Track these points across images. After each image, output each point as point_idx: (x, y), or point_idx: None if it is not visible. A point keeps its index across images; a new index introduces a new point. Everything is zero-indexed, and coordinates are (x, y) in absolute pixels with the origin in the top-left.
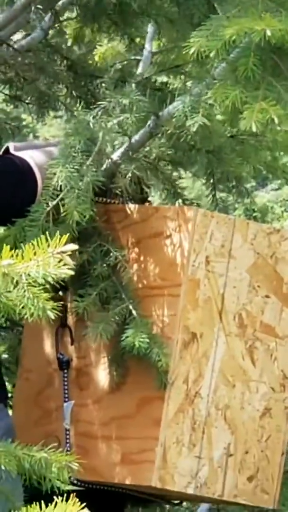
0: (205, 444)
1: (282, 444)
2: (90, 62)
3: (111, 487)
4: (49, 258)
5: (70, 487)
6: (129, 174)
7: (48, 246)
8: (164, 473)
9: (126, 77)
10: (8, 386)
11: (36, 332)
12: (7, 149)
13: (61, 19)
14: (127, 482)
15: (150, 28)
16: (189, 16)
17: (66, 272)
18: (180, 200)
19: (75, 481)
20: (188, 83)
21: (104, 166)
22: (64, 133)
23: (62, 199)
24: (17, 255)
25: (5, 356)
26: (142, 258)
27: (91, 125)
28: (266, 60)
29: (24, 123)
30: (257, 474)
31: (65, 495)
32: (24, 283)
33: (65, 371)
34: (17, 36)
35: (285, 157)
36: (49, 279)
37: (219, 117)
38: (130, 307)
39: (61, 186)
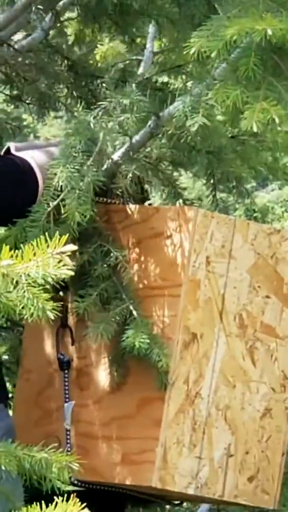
0: (206, 444)
1: (283, 445)
2: (90, 62)
3: (111, 488)
4: (48, 258)
5: (71, 488)
6: (130, 175)
7: (48, 246)
8: (164, 473)
9: (126, 77)
10: (9, 386)
11: (37, 333)
12: (8, 149)
13: (61, 19)
14: (128, 482)
15: (151, 28)
16: (190, 17)
17: (66, 272)
18: (180, 201)
19: (76, 482)
20: (189, 84)
21: (105, 166)
22: (64, 133)
23: (63, 199)
24: (16, 256)
25: (5, 356)
26: (142, 258)
27: (91, 125)
28: (267, 60)
29: (24, 123)
30: (257, 475)
31: (65, 495)
32: (24, 283)
33: (66, 371)
34: (18, 36)
35: (286, 158)
36: (49, 279)
37: (219, 117)
38: (131, 307)
39: (61, 186)
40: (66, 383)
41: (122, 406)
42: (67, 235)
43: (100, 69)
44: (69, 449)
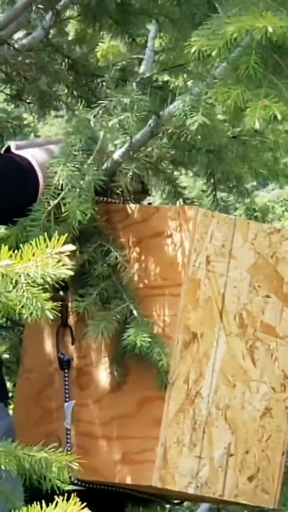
0: (206, 444)
1: (283, 444)
2: (91, 61)
3: (111, 487)
4: (47, 258)
5: (71, 487)
6: (130, 173)
7: (47, 246)
8: (164, 473)
9: (127, 76)
10: (9, 386)
11: (37, 332)
12: (8, 148)
13: (62, 18)
14: (128, 481)
15: (152, 27)
16: (190, 16)
17: (65, 272)
18: (180, 200)
19: (76, 481)
20: (189, 82)
21: (105, 165)
22: (65, 132)
23: (63, 198)
24: (15, 256)
25: (6, 355)
26: (142, 257)
27: (92, 124)
28: (268, 59)
29: (25, 122)
30: (257, 474)
31: (65, 495)
32: (23, 283)
33: (66, 370)
34: (18, 35)
35: (286, 158)
36: (48, 279)
37: (220, 116)
38: (131, 307)
39: (62, 185)
40: (66, 383)
41: (122, 405)
42: (67, 234)
43: (100, 68)
44: (69, 449)
